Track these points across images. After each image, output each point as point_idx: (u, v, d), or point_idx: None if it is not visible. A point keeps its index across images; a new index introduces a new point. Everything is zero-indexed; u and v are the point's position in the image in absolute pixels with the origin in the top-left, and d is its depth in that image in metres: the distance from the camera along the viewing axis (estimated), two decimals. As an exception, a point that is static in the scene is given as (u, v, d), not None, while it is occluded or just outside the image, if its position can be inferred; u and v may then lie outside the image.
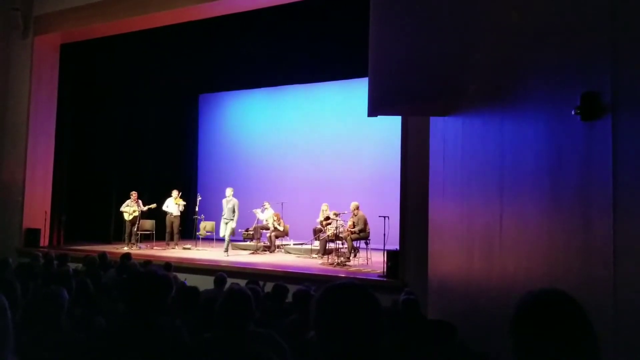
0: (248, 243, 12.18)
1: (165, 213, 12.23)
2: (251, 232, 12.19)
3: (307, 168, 14.14)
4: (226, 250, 10.86)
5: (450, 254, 5.01)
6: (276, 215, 11.86)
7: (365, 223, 9.92)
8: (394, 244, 8.53)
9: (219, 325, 2.69)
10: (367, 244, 10.00)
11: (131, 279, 2.43)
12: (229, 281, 6.23)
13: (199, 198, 13.14)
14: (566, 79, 2.09)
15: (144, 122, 14.59)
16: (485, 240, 3.42)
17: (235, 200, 10.96)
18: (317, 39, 11.65)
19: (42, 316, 2.88)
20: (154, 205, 12.16)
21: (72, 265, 7.58)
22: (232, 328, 2.62)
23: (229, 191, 11.10)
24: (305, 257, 10.94)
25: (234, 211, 10.90)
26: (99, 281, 5.43)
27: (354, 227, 9.93)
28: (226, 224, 10.92)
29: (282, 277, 7.84)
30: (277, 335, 2.76)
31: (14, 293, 3.34)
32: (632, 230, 1.56)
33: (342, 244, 10.18)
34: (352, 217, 10.08)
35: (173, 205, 12.16)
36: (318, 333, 1.43)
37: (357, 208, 10.08)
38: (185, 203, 12.37)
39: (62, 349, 2.64)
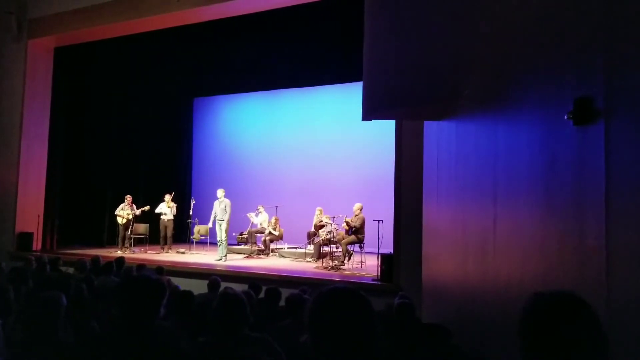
0: (242, 247, 12.16)
1: (159, 217, 12.18)
2: (245, 236, 12.18)
3: (302, 172, 14.15)
4: (224, 255, 10.80)
5: (444, 257, 5.02)
6: (275, 219, 11.84)
7: (362, 224, 9.92)
8: (388, 248, 8.54)
9: (214, 330, 2.68)
10: (361, 247, 10.01)
11: (125, 283, 2.42)
12: (223, 285, 6.21)
13: (193, 202, 13.12)
14: (559, 83, 2.10)
15: (138, 126, 14.55)
16: (479, 244, 3.43)
17: (227, 201, 10.92)
18: (312, 43, 11.69)
19: (39, 321, 2.86)
20: (147, 207, 12.12)
21: (62, 269, 7.55)
22: (227, 332, 2.61)
23: (220, 192, 11.04)
24: (299, 261, 10.94)
25: (226, 212, 10.86)
26: (91, 285, 5.40)
27: (350, 223, 9.92)
28: (220, 225, 10.88)
29: (277, 281, 7.83)
30: (272, 339, 2.75)
31: (7, 298, 3.33)
32: (625, 234, 1.57)
33: (337, 247, 10.19)
34: (353, 216, 10.09)
35: (166, 209, 12.13)
36: (312, 337, 1.44)
37: (360, 210, 10.10)
38: (175, 204, 12.32)
39: (57, 353, 2.63)
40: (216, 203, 11.02)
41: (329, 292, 1.49)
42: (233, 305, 2.66)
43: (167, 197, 12.20)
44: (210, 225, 11.10)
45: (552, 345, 1.29)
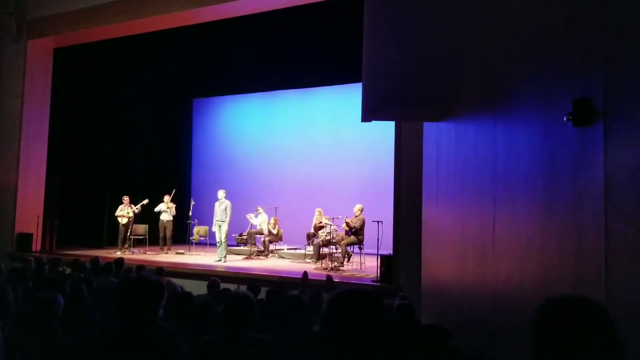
0: (242, 248, 12.16)
1: (159, 216, 12.19)
2: (245, 237, 12.17)
3: (301, 173, 14.16)
4: (224, 256, 10.79)
5: (443, 258, 5.02)
6: (274, 220, 11.85)
7: (362, 226, 9.92)
8: (387, 249, 8.54)
9: (220, 330, 2.67)
10: (360, 248, 10.01)
11: (123, 284, 2.42)
12: (223, 287, 6.21)
13: (192, 203, 13.12)
14: (558, 84, 2.10)
15: (137, 127, 14.56)
16: (479, 245, 3.43)
17: (227, 202, 10.93)
18: (311, 44, 11.68)
19: (37, 321, 2.86)
20: (146, 201, 12.15)
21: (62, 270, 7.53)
22: (232, 333, 2.60)
23: (221, 193, 11.06)
24: (299, 262, 10.94)
25: (226, 213, 10.87)
26: (90, 286, 5.40)
27: (350, 223, 9.92)
28: (219, 226, 10.88)
29: (276, 282, 7.82)
30: (276, 342, 2.73)
31: (6, 298, 3.32)
32: (624, 235, 1.57)
33: (336, 248, 10.19)
34: (353, 217, 10.10)
35: (165, 209, 12.14)
36: (326, 335, 1.49)
37: (361, 211, 10.11)
38: (174, 205, 12.33)
39: (55, 354, 2.63)
40: (217, 204, 11.02)
41: (347, 292, 1.53)
42: (242, 305, 2.65)
43: (167, 198, 12.21)
44: (214, 228, 11.08)
45: (568, 351, 1.26)
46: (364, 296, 1.51)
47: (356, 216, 10.07)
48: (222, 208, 10.88)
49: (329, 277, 6.14)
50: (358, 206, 10.18)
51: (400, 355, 3.08)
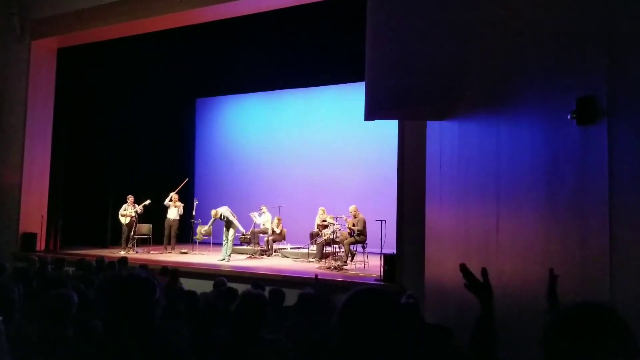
0: (245, 247, 12.17)
1: (165, 216, 12.22)
2: (248, 236, 12.18)
3: (304, 172, 14.15)
4: (228, 255, 10.81)
5: (446, 257, 5.01)
6: (278, 219, 11.87)
7: (364, 226, 9.92)
8: (390, 248, 8.53)
9: (232, 329, 2.66)
10: (364, 247, 10.00)
11: (109, 282, 2.34)
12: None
13: (195, 202, 13.12)
14: (562, 83, 2.10)
15: (141, 126, 14.57)
16: (482, 244, 3.43)
17: (223, 211, 10.98)
18: (314, 43, 11.69)
19: (50, 318, 2.86)
20: (148, 202, 12.18)
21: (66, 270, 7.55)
22: (246, 332, 2.59)
23: (213, 213, 11.12)
24: (302, 261, 10.93)
25: (229, 216, 10.94)
26: (93, 285, 5.41)
27: (353, 226, 9.92)
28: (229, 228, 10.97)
29: (280, 281, 7.83)
30: (287, 342, 2.72)
31: (10, 298, 3.33)
32: (628, 234, 1.57)
33: (339, 247, 10.18)
34: (352, 218, 10.09)
35: (172, 209, 12.16)
36: (342, 335, 1.49)
37: (356, 210, 10.11)
38: (182, 204, 12.39)
39: (66, 351, 2.63)
40: (219, 221, 11.07)
41: (364, 291, 1.54)
42: (255, 305, 2.65)
43: (174, 196, 12.25)
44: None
45: None
46: (381, 295, 1.52)
47: (355, 217, 10.05)
48: (225, 221, 10.93)
49: (316, 275, 6.17)
50: (353, 207, 10.18)
51: (409, 355, 3.08)
